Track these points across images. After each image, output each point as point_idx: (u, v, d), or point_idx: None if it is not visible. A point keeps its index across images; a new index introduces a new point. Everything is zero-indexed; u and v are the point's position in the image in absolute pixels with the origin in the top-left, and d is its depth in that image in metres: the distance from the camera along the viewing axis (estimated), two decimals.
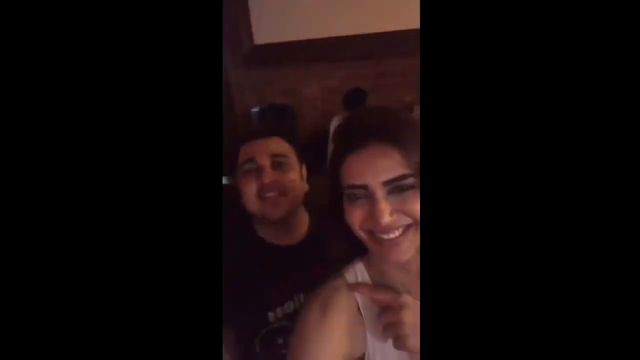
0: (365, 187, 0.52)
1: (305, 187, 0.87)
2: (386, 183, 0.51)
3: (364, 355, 0.57)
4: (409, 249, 0.54)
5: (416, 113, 2.76)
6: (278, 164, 0.82)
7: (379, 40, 2.94)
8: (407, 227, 0.53)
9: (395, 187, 0.51)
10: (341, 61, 3.08)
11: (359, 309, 0.58)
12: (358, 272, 0.61)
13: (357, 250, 0.61)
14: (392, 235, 0.53)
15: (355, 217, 0.54)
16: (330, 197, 0.59)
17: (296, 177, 0.84)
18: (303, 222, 0.89)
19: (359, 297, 0.58)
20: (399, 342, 0.53)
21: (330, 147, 0.58)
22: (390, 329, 0.54)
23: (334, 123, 2.76)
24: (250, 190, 0.82)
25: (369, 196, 0.52)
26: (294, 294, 0.82)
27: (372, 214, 0.52)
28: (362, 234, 0.55)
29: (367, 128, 0.53)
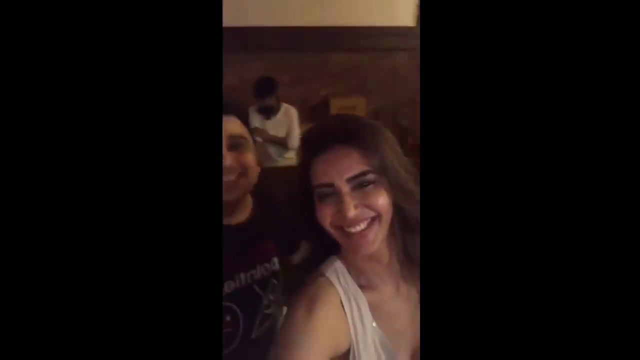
0: (331, 185, 0.57)
1: (258, 169, 0.84)
2: (350, 180, 0.56)
3: (348, 350, 0.60)
4: (375, 240, 0.58)
5: (333, 104, 2.83)
6: (235, 145, 0.78)
7: (301, 33, 2.96)
8: (372, 220, 0.58)
9: (358, 183, 0.57)
10: (261, 52, 3.05)
11: (341, 304, 0.60)
12: (337, 267, 0.64)
13: (327, 248, 0.65)
14: (358, 228, 0.57)
15: (326, 214, 0.58)
16: (300, 199, 0.63)
17: (253, 158, 0.81)
18: (247, 204, 0.87)
19: (341, 292, 0.61)
20: None
21: (299, 153, 0.63)
22: None
23: (251, 114, 2.73)
24: None
25: (336, 193, 0.57)
26: (235, 273, 0.80)
27: (340, 209, 0.56)
28: (332, 231, 0.59)
29: (330, 133, 0.59)
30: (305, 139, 0.62)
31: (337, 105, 2.84)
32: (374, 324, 0.61)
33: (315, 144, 0.59)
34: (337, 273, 0.63)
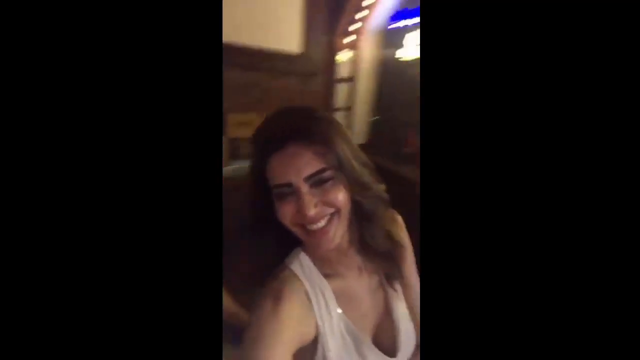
0: (289, 184, 0.57)
1: None
2: (307, 178, 0.56)
3: (315, 338, 0.61)
4: (335, 235, 0.60)
5: (230, 119, 2.84)
6: None
7: None
8: (332, 216, 0.60)
9: (316, 180, 0.57)
10: None
11: (307, 294, 0.62)
12: (302, 260, 0.66)
13: (288, 245, 0.66)
14: (319, 225, 0.59)
15: (287, 213, 0.59)
16: (256, 198, 0.62)
17: None
18: None
19: (306, 283, 0.62)
20: None
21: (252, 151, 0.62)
22: None
23: None
24: None
25: (294, 192, 0.57)
26: None
27: (299, 208, 0.57)
28: (294, 229, 0.60)
29: (284, 129, 0.57)
30: (258, 136, 0.61)
31: (234, 120, 2.85)
32: (339, 311, 0.64)
33: (270, 141, 0.58)
34: (301, 265, 0.65)
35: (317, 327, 0.61)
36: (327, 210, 0.59)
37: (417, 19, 3.50)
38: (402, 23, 3.59)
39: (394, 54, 3.61)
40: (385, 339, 0.67)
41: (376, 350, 0.64)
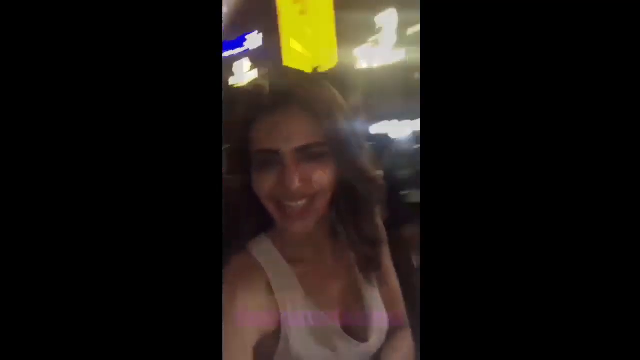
0: (277, 152, 0.49)
1: None
2: (298, 150, 0.49)
3: (277, 329, 0.56)
4: (313, 217, 0.53)
5: None
6: None
7: None
8: (313, 196, 0.52)
9: (307, 154, 0.50)
10: None
11: (269, 285, 0.56)
12: (266, 247, 0.59)
13: (262, 223, 0.59)
14: (299, 203, 0.52)
15: (265, 184, 0.51)
16: (236, 163, 0.54)
17: None
18: None
19: (269, 272, 0.56)
20: None
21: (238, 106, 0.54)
22: None
23: None
24: None
25: (279, 162, 0.50)
26: None
27: (282, 180, 0.50)
28: (269, 204, 0.53)
29: (282, 90, 0.51)
30: (250, 93, 0.53)
31: None
32: (304, 297, 0.58)
33: (262, 100, 0.50)
34: (265, 252, 0.58)
35: (279, 318, 0.55)
36: (310, 189, 0.51)
37: (240, 49, 3.76)
38: (227, 53, 3.71)
39: (228, 82, 3.62)
40: (355, 325, 0.62)
41: (346, 336, 0.59)
